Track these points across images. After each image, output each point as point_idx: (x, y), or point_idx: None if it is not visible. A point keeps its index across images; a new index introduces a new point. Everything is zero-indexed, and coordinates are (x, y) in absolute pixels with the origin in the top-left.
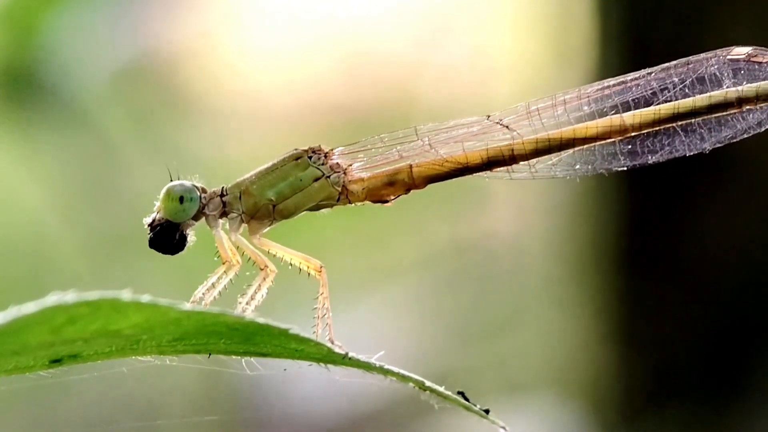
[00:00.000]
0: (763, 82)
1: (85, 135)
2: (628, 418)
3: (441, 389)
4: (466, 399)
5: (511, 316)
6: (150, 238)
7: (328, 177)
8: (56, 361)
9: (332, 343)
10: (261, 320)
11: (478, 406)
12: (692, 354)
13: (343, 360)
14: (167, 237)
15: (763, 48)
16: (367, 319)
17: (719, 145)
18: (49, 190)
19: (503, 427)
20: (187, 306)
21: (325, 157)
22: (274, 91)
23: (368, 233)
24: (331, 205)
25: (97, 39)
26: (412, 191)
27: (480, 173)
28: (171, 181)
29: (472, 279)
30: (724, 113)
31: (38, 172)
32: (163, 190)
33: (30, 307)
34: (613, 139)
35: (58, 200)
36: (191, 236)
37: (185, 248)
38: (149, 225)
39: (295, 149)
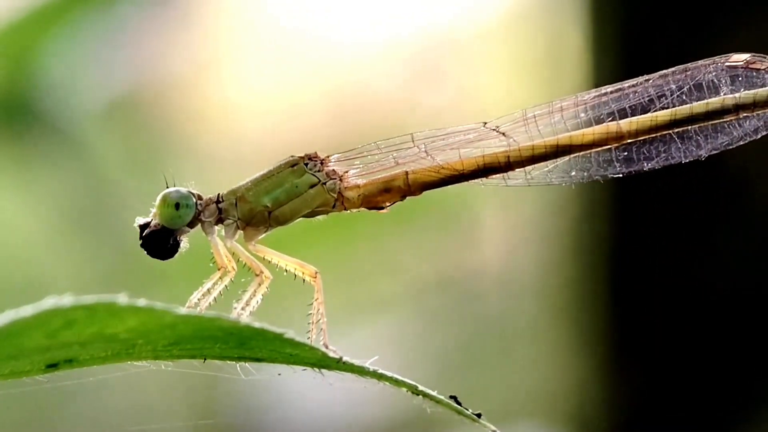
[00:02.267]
0: (760, 89)
1: (79, 164)
2: None
3: (434, 393)
4: (459, 403)
5: (496, 344)
6: (143, 239)
7: (324, 184)
8: (52, 366)
9: (327, 347)
10: (256, 325)
11: (470, 410)
12: (679, 384)
13: (338, 364)
14: (161, 242)
15: (761, 55)
16: (349, 351)
17: (715, 152)
18: (42, 219)
19: (494, 431)
20: (183, 310)
21: (321, 163)
22: (263, 131)
23: (350, 267)
24: (327, 212)
25: (92, 69)
26: (407, 198)
27: (476, 180)
28: (167, 187)
29: (456, 308)
30: (721, 120)
31: (31, 201)
32: (160, 196)
33: (27, 311)
34: (609, 146)
35: (51, 230)
36: (184, 243)
37: (177, 254)
38: (141, 226)
39: (291, 156)
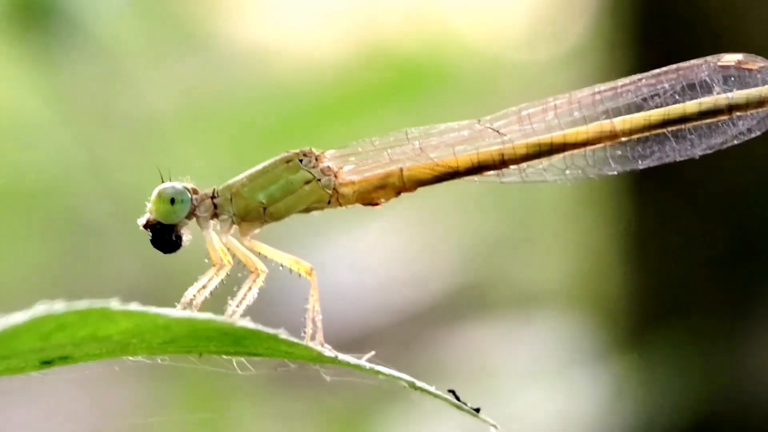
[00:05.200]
0: (753, 89)
1: (100, 61)
2: (637, 331)
3: (432, 389)
4: (457, 398)
5: (523, 232)
6: (150, 239)
7: (319, 180)
8: (47, 363)
9: (322, 346)
10: (251, 325)
11: (469, 404)
12: (705, 269)
13: (333, 361)
14: (163, 238)
15: (753, 55)
16: (381, 237)
17: (709, 151)
18: (63, 114)
19: (494, 425)
20: (176, 312)
21: (316, 160)
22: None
23: None
24: (322, 208)
25: None
26: (402, 194)
27: (470, 177)
28: (162, 182)
29: (484, 195)
30: (715, 120)
31: (52, 97)
32: (155, 192)
33: (18, 318)
34: (603, 144)
35: (71, 123)
36: (187, 235)
37: (182, 247)
38: (144, 226)
39: (287, 152)
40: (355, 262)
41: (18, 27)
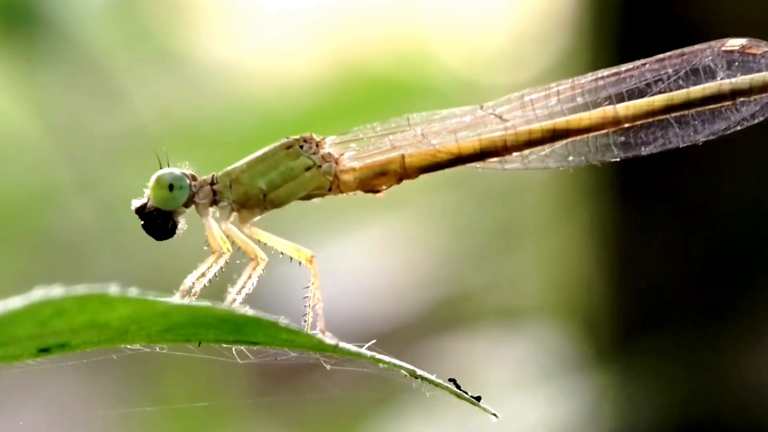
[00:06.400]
0: (756, 74)
1: (81, 65)
2: (622, 341)
3: (432, 377)
4: (458, 386)
5: (506, 241)
6: (143, 225)
7: (320, 166)
8: (44, 350)
9: (323, 333)
10: (250, 312)
11: (470, 393)
12: (685, 277)
13: (334, 349)
14: (158, 224)
15: (757, 40)
16: (363, 249)
17: (713, 137)
18: (47, 121)
19: (494, 414)
20: (175, 299)
21: (317, 146)
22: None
23: None
24: (323, 195)
25: None
26: (404, 181)
27: (472, 164)
28: (161, 168)
29: (472, 207)
30: (718, 105)
31: (34, 102)
32: (153, 178)
33: (16, 302)
34: (606, 131)
35: (55, 131)
36: (182, 223)
37: (176, 235)
38: (136, 211)
39: (287, 138)
40: (338, 273)
41: None
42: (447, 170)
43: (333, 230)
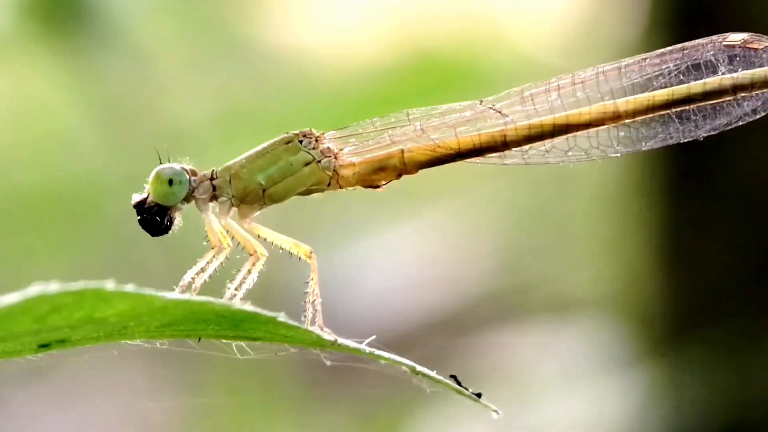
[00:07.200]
0: (758, 69)
1: (128, 58)
2: (674, 337)
3: (433, 374)
4: (459, 383)
5: (560, 234)
6: (140, 220)
7: (319, 162)
8: (44, 346)
9: (322, 329)
10: (249, 308)
11: (471, 390)
12: (740, 274)
13: (333, 345)
14: (155, 220)
15: (758, 34)
16: (413, 240)
17: (714, 133)
18: (91, 112)
19: (495, 411)
20: (173, 295)
21: (316, 141)
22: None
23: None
24: (322, 190)
25: None
26: (403, 176)
27: (472, 159)
28: (161, 163)
29: (522, 197)
30: (719, 100)
31: (80, 95)
32: (153, 173)
33: (12, 298)
34: (606, 126)
35: (98, 121)
36: (178, 220)
37: (171, 231)
38: (135, 205)
39: (286, 133)
40: (386, 264)
41: (50, 29)
42: None
43: (382, 221)
